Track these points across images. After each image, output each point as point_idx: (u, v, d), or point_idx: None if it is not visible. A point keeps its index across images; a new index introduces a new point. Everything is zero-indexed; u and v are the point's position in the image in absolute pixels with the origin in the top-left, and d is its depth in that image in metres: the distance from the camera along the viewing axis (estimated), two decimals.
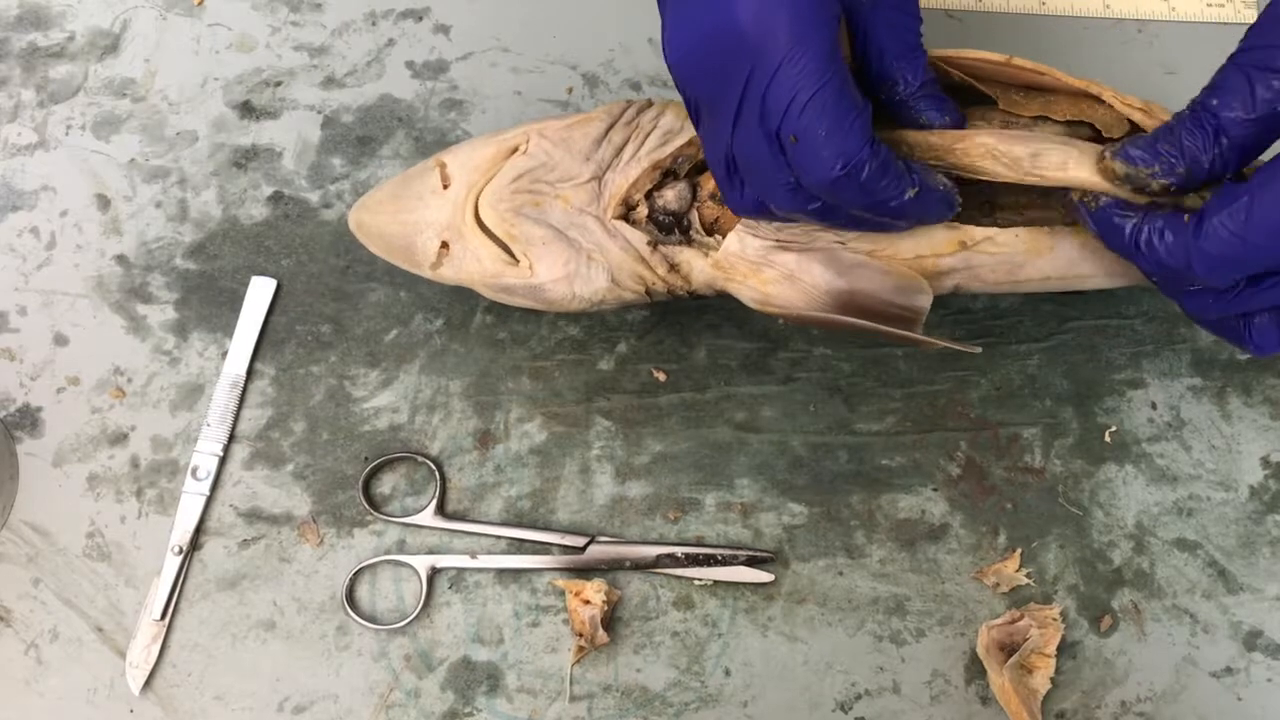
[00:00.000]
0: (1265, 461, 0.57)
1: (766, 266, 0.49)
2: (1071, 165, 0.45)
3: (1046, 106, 0.50)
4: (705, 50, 0.43)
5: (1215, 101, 0.42)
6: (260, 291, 0.59)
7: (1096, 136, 0.49)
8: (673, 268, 0.51)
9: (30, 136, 0.62)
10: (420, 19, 0.64)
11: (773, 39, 0.42)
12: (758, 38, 0.42)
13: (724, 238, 0.50)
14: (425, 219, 0.52)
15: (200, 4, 0.64)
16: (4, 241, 0.60)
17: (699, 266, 0.50)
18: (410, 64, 0.63)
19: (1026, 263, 0.49)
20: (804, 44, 0.42)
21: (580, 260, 0.51)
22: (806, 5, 0.42)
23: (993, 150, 0.46)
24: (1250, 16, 0.63)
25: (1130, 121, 0.48)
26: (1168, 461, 0.57)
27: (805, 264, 0.49)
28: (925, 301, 0.49)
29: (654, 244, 0.50)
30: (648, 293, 0.52)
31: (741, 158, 0.45)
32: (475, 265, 0.51)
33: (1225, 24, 0.63)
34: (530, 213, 0.51)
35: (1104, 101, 0.48)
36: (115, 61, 0.63)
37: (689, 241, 0.51)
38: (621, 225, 0.51)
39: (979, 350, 0.51)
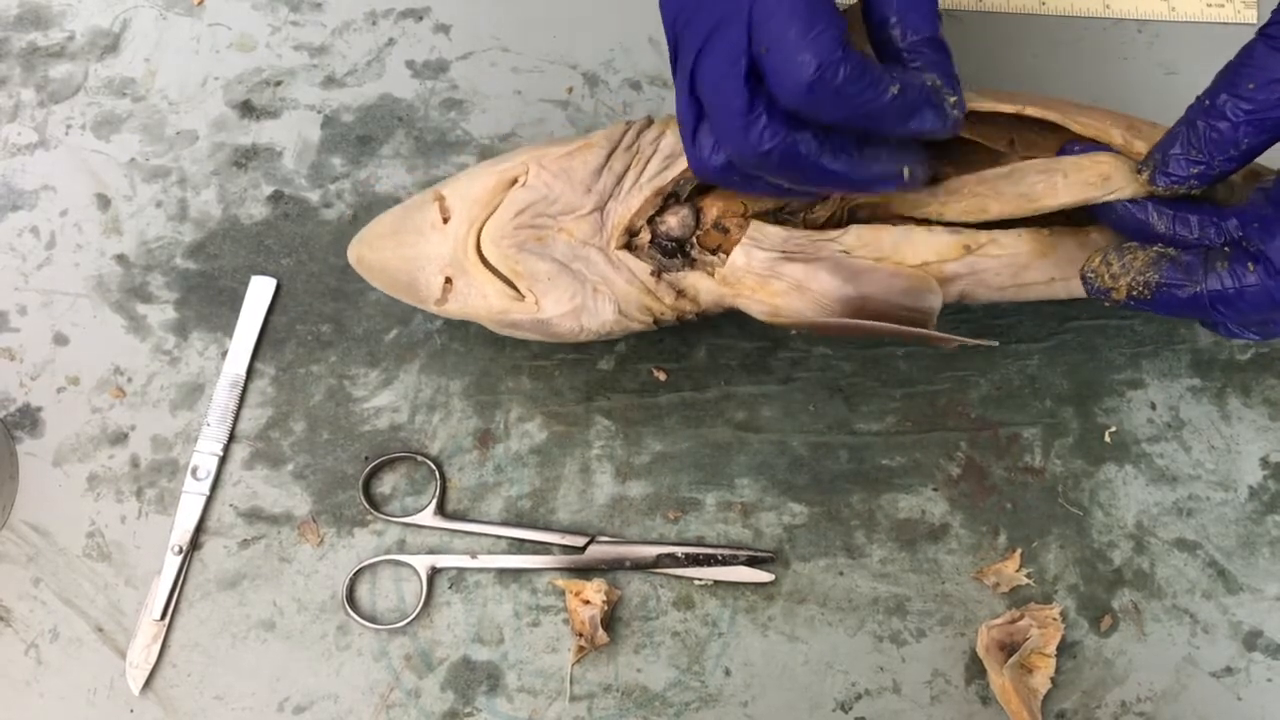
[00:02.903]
0: (1265, 462, 0.57)
1: (774, 278, 0.49)
2: (1061, 188, 0.46)
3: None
4: None
5: (1252, 85, 0.42)
6: (260, 291, 0.59)
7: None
8: (680, 294, 0.51)
9: (30, 136, 0.62)
10: (420, 18, 0.64)
11: None
12: None
13: (728, 256, 0.50)
14: (427, 254, 0.51)
15: (200, 3, 0.64)
16: (4, 241, 0.60)
17: (706, 287, 0.50)
18: (410, 63, 0.63)
19: (1031, 264, 0.49)
20: None
21: (586, 294, 0.50)
22: None
23: (976, 190, 0.47)
24: (1250, 17, 0.63)
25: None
26: (1167, 462, 0.57)
27: (813, 273, 0.49)
28: (936, 302, 0.49)
29: (658, 273, 0.50)
30: (655, 322, 0.51)
31: (708, 89, 0.44)
32: (481, 302, 0.51)
33: (1225, 24, 0.63)
34: (534, 248, 0.50)
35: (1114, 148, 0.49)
36: (115, 61, 0.63)
37: (692, 264, 0.51)
38: (625, 256, 0.50)
39: (996, 344, 0.51)
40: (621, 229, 0.50)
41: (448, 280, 0.51)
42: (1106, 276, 0.46)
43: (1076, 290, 0.50)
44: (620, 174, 0.51)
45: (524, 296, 0.51)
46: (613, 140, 0.51)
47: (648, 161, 0.50)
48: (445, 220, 0.51)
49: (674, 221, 0.51)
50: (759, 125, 0.43)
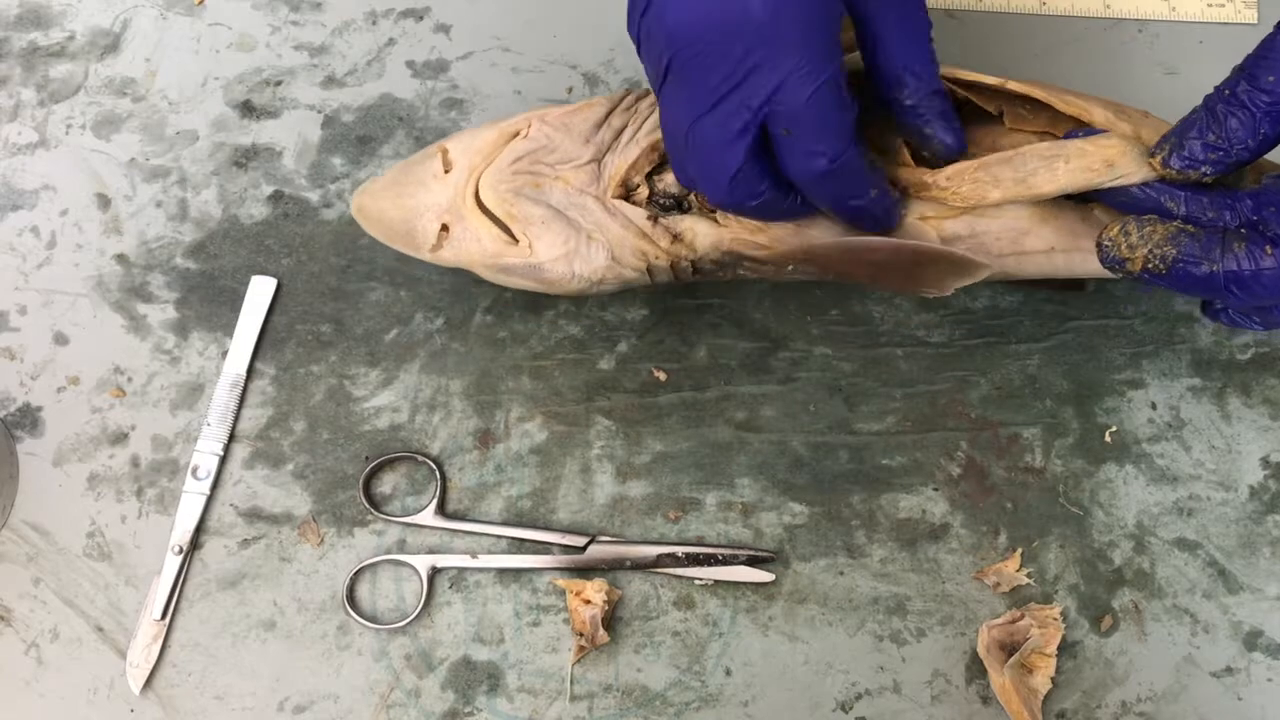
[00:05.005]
0: (1265, 462, 0.57)
1: (776, 224, 0.50)
2: (1061, 173, 0.46)
3: (1052, 123, 0.50)
4: (708, 26, 0.43)
5: (1272, 78, 0.42)
6: (260, 291, 0.59)
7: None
8: (675, 238, 0.51)
9: (30, 136, 0.62)
10: (420, 18, 0.64)
11: (783, 33, 0.42)
12: (769, 29, 0.42)
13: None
14: (426, 202, 0.52)
15: (200, 3, 0.64)
16: (4, 241, 0.60)
17: (702, 230, 0.51)
18: (410, 63, 0.63)
19: (1031, 230, 0.50)
20: (810, 40, 0.43)
21: (580, 239, 0.51)
22: (813, 1, 0.43)
23: (976, 176, 0.47)
24: (1250, 17, 0.63)
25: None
26: (1168, 461, 0.57)
27: (815, 219, 0.50)
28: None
29: (654, 218, 0.51)
30: (649, 270, 0.52)
31: (707, 146, 0.46)
32: (475, 246, 0.52)
33: (1225, 24, 0.63)
34: (530, 193, 0.51)
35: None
36: (115, 61, 0.63)
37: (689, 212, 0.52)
38: (621, 204, 0.51)
39: (989, 267, 0.50)
40: (618, 180, 0.51)
41: (444, 228, 0.52)
42: (1124, 246, 0.45)
43: (1076, 266, 0.50)
44: (619, 130, 0.52)
45: (518, 241, 0.51)
46: (613, 101, 0.52)
47: (645, 120, 0.52)
48: (447, 171, 0.52)
49: (671, 179, 0.51)
50: (750, 187, 0.46)
